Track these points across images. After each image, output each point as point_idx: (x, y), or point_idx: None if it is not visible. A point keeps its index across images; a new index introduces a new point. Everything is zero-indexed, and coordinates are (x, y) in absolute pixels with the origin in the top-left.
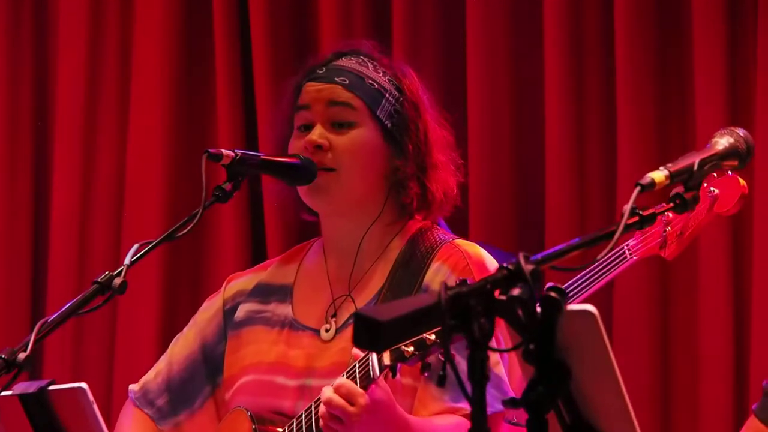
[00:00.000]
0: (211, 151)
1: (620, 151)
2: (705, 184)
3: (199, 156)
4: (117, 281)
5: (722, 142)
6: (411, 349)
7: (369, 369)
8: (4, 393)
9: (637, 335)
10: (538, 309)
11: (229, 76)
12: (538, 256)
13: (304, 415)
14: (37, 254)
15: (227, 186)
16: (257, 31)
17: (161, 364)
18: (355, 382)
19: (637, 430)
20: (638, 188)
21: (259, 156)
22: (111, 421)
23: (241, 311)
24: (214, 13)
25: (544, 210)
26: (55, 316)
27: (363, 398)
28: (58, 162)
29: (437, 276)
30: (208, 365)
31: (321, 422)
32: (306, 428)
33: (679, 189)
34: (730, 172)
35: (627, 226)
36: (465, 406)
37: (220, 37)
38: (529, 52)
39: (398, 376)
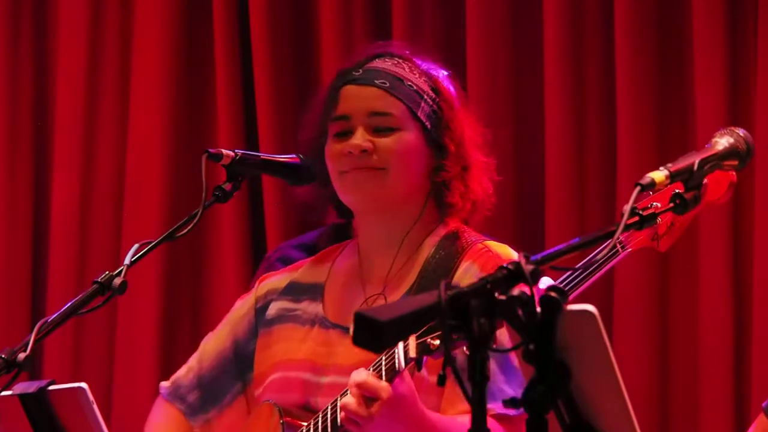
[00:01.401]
0: (211, 151)
1: (620, 151)
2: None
3: (199, 156)
4: (117, 281)
5: (722, 142)
6: (437, 342)
7: (395, 361)
8: (4, 393)
9: (637, 334)
10: (538, 309)
11: (229, 77)
12: (538, 256)
13: (329, 408)
14: (37, 254)
15: (227, 186)
16: (257, 31)
17: (192, 360)
18: (381, 375)
19: (637, 430)
20: (638, 188)
21: (259, 156)
22: (111, 421)
23: (273, 309)
24: (214, 13)
25: (544, 210)
26: (55, 316)
27: (386, 392)
28: (58, 162)
29: (466, 276)
30: (239, 362)
31: (341, 413)
32: (331, 421)
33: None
34: None
35: (627, 226)
36: (493, 406)
37: (220, 37)
38: (529, 52)
39: (425, 373)
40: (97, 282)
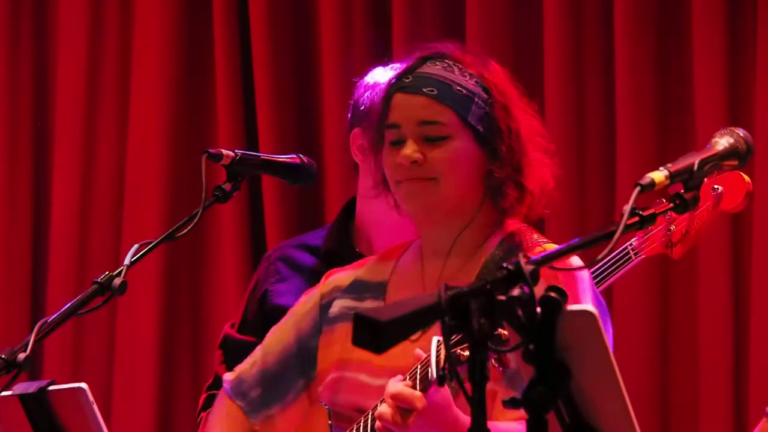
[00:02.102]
0: (211, 151)
1: (620, 151)
2: (705, 180)
3: (199, 156)
4: (117, 281)
5: (722, 142)
6: (466, 353)
7: (428, 370)
8: (4, 393)
9: (637, 334)
10: (538, 309)
11: (229, 77)
12: (538, 257)
13: (370, 414)
14: (37, 254)
15: (227, 186)
16: (257, 31)
17: (257, 354)
18: (415, 384)
19: (637, 430)
20: (638, 188)
21: (259, 156)
22: (111, 421)
23: (336, 307)
24: (214, 13)
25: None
26: (55, 316)
27: (420, 402)
28: (58, 162)
29: None
30: (302, 359)
31: (377, 423)
32: (370, 429)
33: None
34: None
35: (627, 226)
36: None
37: (220, 37)
38: (529, 52)
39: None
40: (97, 282)
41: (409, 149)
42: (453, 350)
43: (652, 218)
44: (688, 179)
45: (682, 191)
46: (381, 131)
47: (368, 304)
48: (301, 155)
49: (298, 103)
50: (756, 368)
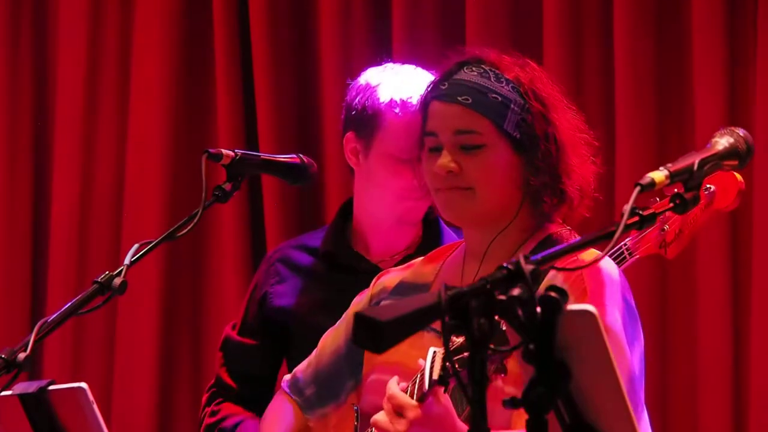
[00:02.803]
0: (211, 151)
1: (619, 151)
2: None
3: (199, 156)
4: (117, 281)
5: (722, 142)
6: (456, 366)
7: (424, 381)
8: (4, 393)
9: None
10: (538, 309)
11: (229, 76)
12: (538, 256)
13: None
14: (37, 254)
15: (227, 186)
16: (257, 30)
17: (312, 355)
18: (413, 394)
19: (637, 430)
20: (638, 188)
21: (259, 156)
22: (111, 421)
23: None
24: (214, 13)
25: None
26: (55, 316)
27: (413, 411)
28: (58, 162)
29: (550, 284)
30: (351, 360)
31: (373, 430)
32: None
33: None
34: None
35: (627, 226)
36: None
37: (220, 37)
38: (529, 52)
39: (500, 383)
40: (97, 282)
41: (446, 159)
42: (445, 362)
43: (652, 218)
44: (688, 179)
45: (682, 191)
46: (422, 137)
47: None
48: (301, 155)
49: (298, 103)
50: (755, 369)
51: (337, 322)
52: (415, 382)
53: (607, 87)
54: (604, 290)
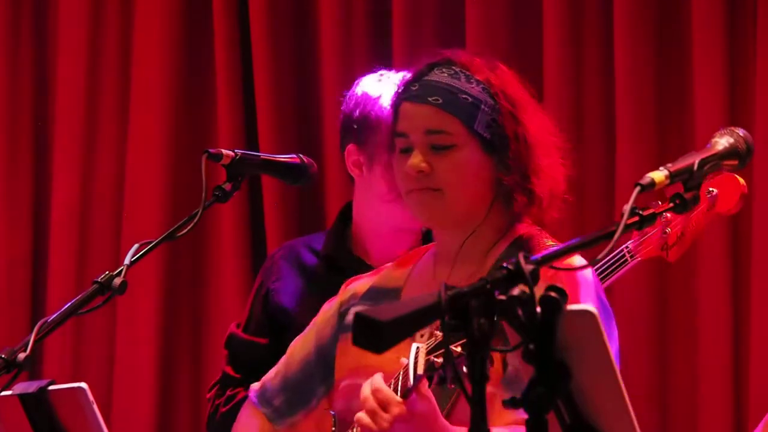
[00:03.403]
0: (211, 151)
1: (620, 151)
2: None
3: (199, 156)
4: (117, 281)
5: (722, 142)
6: (440, 360)
7: (408, 377)
8: (4, 393)
9: (637, 336)
10: (538, 309)
11: (229, 77)
12: (538, 256)
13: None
14: (37, 254)
15: (227, 186)
16: (257, 31)
17: (280, 364)
18: (397, 391)
19: (636, 430)
20: (638, 188)
21: (259, 156)
22: (111, 421)
23: (352, 314)
24: (215, 14)
25: None
26: (55, 316)
27: (398, 407)
28: (58, 162)
29: None
30: (323, 367)
31: (357, 429)
32: None
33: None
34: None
35: (627, 226)
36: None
37: (220, 38)
38: (529, 52)
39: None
40: (97, 282)
41: (416, 159)
42: (428, 357)
43: (652, 218)
44: (688, 179)
45: (682, 191)
46: (392, 138)
47: None
48: (301, 155)
49: (298, 103)
50: (755, 369)
51: (306, 329)
52: (398, 378)
53: (607, 87)
54: (579, 289)
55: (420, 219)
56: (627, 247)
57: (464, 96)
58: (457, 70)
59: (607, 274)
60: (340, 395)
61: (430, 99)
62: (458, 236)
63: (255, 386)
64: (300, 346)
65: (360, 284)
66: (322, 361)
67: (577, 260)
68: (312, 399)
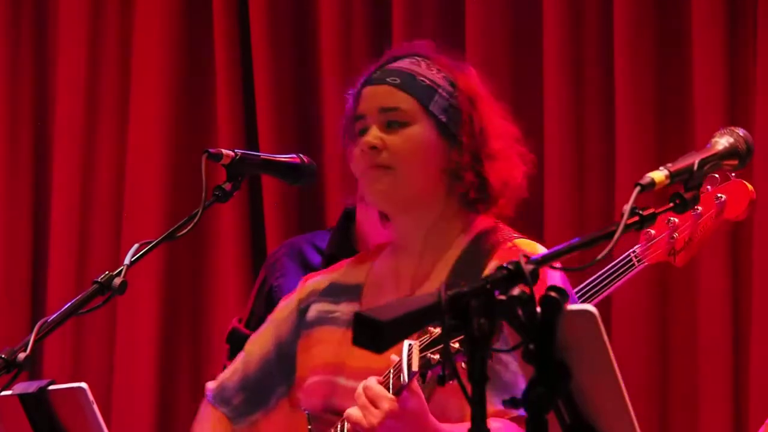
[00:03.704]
0: (211, 151)
1: (619, 151)
2: (709, 188)
3: (199, 156)
4: (117, 281)
5: (722, 142)
6: (437, 356)
7: (401, 374)
8: (4, 393)
9: (637, 335)
10: (538, 309)
11: (229, 77)
12: (538, 256)
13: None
14: (37, 254)
15: (227, 186)
16: (257, 31)
17: (237, 362)
18: (389, 387)
19: (636, 430)
20: (638, 188)
21: (259, 156)
22: (111, 421)
23: (313, 311)
24: (214, 13)
25: (544, 210)
26: (55, 316)
27: (389, 403)
28: (58, 162)
29: (491, 274)
30: (283, 365)
31: (347, 423)
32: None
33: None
34: (733, 174)
35: (627, 226)
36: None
37: (220, 37)
38: (529, 52)
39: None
40: (97, 282)
41: (370, 136)
42: (423, 354)
43: (652, 218)
44: (688, 179)
45: (682, 191)
46: (353, 125)
47: (344, 307)
48: (301, 155)
49: (298, 103)
50: (755, 368)
51: (261, 327)
52: (389, 375)
53: (607, 87)
54: (545, 278)
55: (372, 200)
56: (634, 251)
57: (422, 78)
58: (419, 59)
59: (614, 278)
60: (308, 393)
61: (388, 79)
62: (418, 226)
63: (211, 385)
64: (258, 345)
65: (318, 281)
66: (283, 359)
67: (540, 249)
68: (271, 398)
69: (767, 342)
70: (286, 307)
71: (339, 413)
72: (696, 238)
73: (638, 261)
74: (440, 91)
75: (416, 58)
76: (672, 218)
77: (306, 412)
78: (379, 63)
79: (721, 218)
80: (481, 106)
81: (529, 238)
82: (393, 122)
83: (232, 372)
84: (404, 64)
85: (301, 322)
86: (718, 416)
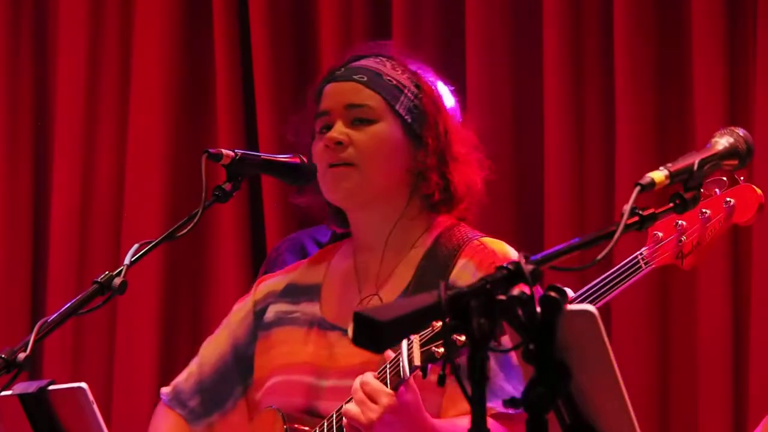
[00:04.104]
0: (211, 151)
1: (620, 151)
2: (717, 192)
3: (199, 156)
4: (117, 281)
5: (722, 142)
6: (441, 350)
7: (399, 369)
8: (4, 393)
9: (637, 335)
10: (538, 309)
11: (229, 77)
12: (538, 256)
13: (335, 414)
14: (37, 254)
15: (227, 186)
16: (257, 31)
17: (192, 366)
18: (386, 383)
19: (636, 430)
20: (638, 188)
21: (259, 156)
22: (111, 421)
23: (271, 312)
24: (214, 13)
25: (544, 210)
26: (55, 316)
27: (388, 398)
28: (58, 162)
29: (463, 273)
30: (240, 366)
31: (344, 420)
32: (336, 428)
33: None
34: (742, 178)
35: (627, 226)
36: (494, 405)
37: (220, 37)
38: (529, 52)
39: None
40: (97, 282)
41: (335, 131)
42: (427, 347)
43: (653, 218)
44: (688, 179)
45: (682, 191)
46: (312, 124)
47: (304, 307)
48: (301, 155)
49: (298, 103)
50: (755, 368)
51: (216, 330)
52: (386, 370)
53: (607, 87)
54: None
55: (335, 197)
56: (641, 254)
57: (389, 78)
58: (384, 59)
59: (621, 280)
60: (270, 393)
61: (354, 77)
62: (380, 225)
63: (165, 390)
64: (212, 347)
65: (274, 282)
66: (240, 361)
67: (508, 247)
68: (228, 400)
69: (767, 342)
70: (241, 309)
71: (314, 413)
72: (704, 242)
73: (645, 263)
74: (406, 91)
75: (380, 58)
76: (680, 221)
77: (279, 411)
78: (342, 61)
79: (729, 222)
80: (444, 109)
81: (491, 237)
82: (359, 119)
83: (186, 376)
84: (369, 62)
85: (258, 324)
86: (718, 416)
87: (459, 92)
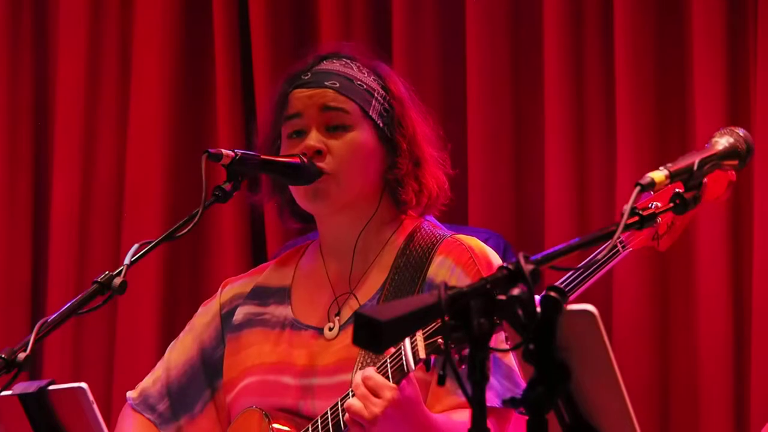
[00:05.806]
0: (211, 151)
1: (620, 151)
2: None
3: (199, 156)
4: (117, 281)
5: (722, 141)
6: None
7: (402, 363)
8: (4, 393)
9: (637, 334)
10: (538, 309)
11: (229, 76)
12: (538, 256)
13: (330, 411)
14: (37, 254)
15: (227, 186)
16: (257, 30)
17: (158, 370)
18: (387, 377)
19: (637, 430)
20: (638, 188)
21: (259, 156)
22: (111, 421)
23: (240, 314)
24: (214, 13)
25: (544, 210)
26: (55, 316)
27: (392, 392)
28: (58, 162)
29: (441, 269)
30: (207, 369)
31: (345, 416)
32: (333, 424)
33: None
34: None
35: (627, 226)
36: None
37: (220, 37)
38: (529, 52)
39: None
40: (97, 282)
41: (313, 139)
42: (432, 339)
43: (653, 218)
44: (688, 179)
45: (682, 191)
46: (278, 127)
47: (273, 309)
48: (300, 155)
49: None
50: (756, 368)
51: (181, 334)
52: (386, 365)
53: (608, 87)
54: (475, 260)
55: (312, 207)
56: (618, 237)
57: (359, 83)
58: (348, 61)
59: (600, 265)
60: (243, 394)
61: (326, 83)
62: (351, 227)
63: (132, 394)
64: (179, 351)
65: (241, 284)
66: (207, 365)
67: (482, 243)
68: (197, 403)
69: (767, 340)
70: (206, 312)
71: (296, 413)
72: (678, 222)
73: (623, 247)
74: (376, 95)
75: (344, 59)
76: (654, 202)
77: (263, 411)
78: (306, 65)
79: (702, 201)
80: (410, 109)
81: (462, 233)
82: (335, 126)
83: (153, 380)
84: (337, 66)
85: (226, 326)
86: (719, 416)
87: (460, 93)
